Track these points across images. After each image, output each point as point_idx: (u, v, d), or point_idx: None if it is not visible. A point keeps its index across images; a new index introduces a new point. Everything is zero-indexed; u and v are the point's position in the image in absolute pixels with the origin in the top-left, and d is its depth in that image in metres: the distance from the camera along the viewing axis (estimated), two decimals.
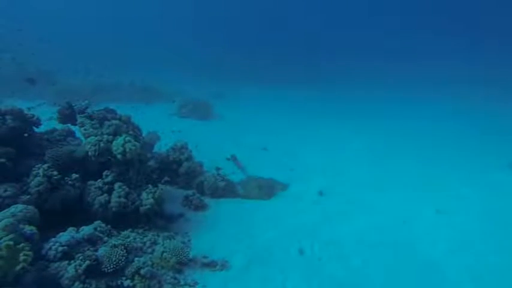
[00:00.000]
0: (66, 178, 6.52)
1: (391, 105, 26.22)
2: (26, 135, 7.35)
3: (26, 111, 7.32)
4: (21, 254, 4.48)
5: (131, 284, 5.35)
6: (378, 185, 10.91)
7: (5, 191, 5.69)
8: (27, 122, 7.32)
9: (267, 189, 9.56)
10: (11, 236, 4.58)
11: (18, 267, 4.37)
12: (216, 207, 8.43)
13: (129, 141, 7.05)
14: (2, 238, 4.46)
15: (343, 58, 44.98)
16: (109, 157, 7.08)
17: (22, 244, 4.61)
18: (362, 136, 17.00)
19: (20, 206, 5.28)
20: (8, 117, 6.89)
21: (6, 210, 5.19)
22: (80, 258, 5.17)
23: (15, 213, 5.07)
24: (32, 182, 6.02)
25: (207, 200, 8.57)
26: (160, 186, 7.69)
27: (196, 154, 10.15)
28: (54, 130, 8.27)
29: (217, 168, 9.79)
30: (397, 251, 7.26)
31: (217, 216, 8.06)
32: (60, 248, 5.14)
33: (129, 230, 6.53)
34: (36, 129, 7.65)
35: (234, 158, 11.53)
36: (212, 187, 8.83)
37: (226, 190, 8.97)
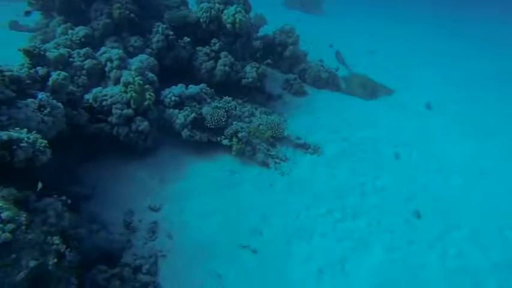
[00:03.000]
0: (179, 40, 7.12)
1: None
2: None
3: None
4: (147, 93, 5.33)
5: (229, 144, 6.04)
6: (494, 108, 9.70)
7: (135, 41, 6.60)
8: None
9: (371, 89, 9.14)
10: (140, 77, 5.41)
11: (145, 103, 5.27)
12: (316, 96, 8.53)
13: (240, 11, 7.13)
14: (135, 77, 5.31)
15: None
16: (218, 26, 7.34)
17: (147, 86, 5.44)
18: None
19: (145, 56, 6.12)
20: None
21: (135, 58, 6.04)
22: (188, 110, 5.94)
23: (143, 61, 5.88)
24: (154, 38, 6.76)
25: (307, 87, 8.64)
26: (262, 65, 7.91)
27: (301, 44, 9.88)
28: None
29: (321, 60, 9.50)
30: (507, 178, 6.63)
31: (316, 104, 8.19)
32: (173, 98, 5.98)
33: (231, 98, 7.06)
34: None
35: (337, 53, 10.98)
36: (315, 76, 8.77)
37: (328, 82, 8.86)
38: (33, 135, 3.28)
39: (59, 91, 4.24)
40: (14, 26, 8.90)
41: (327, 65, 9.53)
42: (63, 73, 4.38)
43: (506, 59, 15.02)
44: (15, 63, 4.38)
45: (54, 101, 3.90)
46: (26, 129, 3.36)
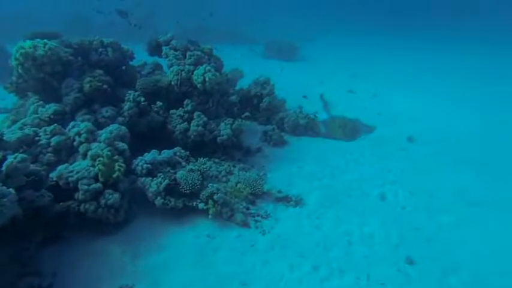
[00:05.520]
0: (152, 105, 7.23)
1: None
2: (123, 67, 8.18)
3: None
4: (116, 164, 5.26)
5: (205, 207, 5.83)
6: (478, 135, 9.81)
7: (107, 111, 6.69)
8: (124, 54, 8.12)
9: (351, 130, 9.20)
10: (109, 148, 5.39)
11: (114, 175, 5.17)
12: (296, 145, 8.53)
13: (209, 70, 7.33)
14: (104, 149, 5.28)
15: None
16: (190, 87, 7.51)
17: (116, 156, 5.40)
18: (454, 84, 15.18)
19: (115, 125, 6.15)
20: (109, 49, 7.75)
21: (105, 129, 6.06)
22: (161, 176, 5.82)
23: (112, 131, 5.88)
24: (125, 106, 6.84)
25: (286, 136, 8.68)
26: (239, 120, 7.97)
27: (279, 93, 10.09)
28: (145, 64, 9.05)
29: (299, 107, 9.64)
30: (503, 212, 6.38)
31: (297, 153, 8.16)
32: (145, 165, 5.90)
33: (206, 158, 7.01)
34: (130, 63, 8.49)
35: (321, 97, 11.32)
36: (293, 124, 8.84)
37: (307, 128, 8.93)
38: None
39: (13, 175, 4.13)
40: None
41: (306, 111, 9.64)
42: (20, 155, 4.32)
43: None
44: None
45: (4, 188, 3.77)
46: None
